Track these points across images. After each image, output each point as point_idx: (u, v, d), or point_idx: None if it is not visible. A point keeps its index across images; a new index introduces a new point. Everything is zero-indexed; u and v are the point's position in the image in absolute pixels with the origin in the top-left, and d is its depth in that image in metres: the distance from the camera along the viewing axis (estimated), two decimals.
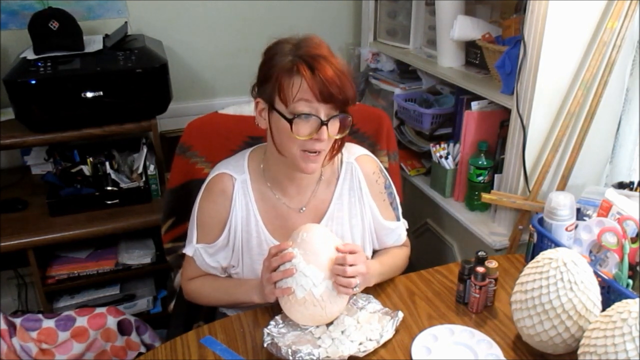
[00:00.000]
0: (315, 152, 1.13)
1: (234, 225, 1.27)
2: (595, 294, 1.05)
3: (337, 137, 1.16)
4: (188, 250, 1.31)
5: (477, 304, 1.22)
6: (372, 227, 1.34)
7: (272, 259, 1.15)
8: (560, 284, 1.02)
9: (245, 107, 1.51)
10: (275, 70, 1.10)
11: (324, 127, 1.10)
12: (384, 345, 1.13)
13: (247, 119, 1.47)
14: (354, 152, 1.32)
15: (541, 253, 1.08)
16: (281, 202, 1.28)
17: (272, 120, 1.15)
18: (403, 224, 1.40)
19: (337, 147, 1.22)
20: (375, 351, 1.12)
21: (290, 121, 1.09)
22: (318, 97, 1.07)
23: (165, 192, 1.55)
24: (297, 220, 1.28)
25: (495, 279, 1.23)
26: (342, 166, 1.30)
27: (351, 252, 1.16)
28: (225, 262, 1.31)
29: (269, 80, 1.11)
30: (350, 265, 1.13)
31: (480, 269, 1.19)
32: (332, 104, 1.09)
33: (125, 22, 2.09)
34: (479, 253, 1.24)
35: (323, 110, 1.10)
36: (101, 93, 1.85)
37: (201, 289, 1.35)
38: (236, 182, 1.26)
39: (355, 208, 1.31)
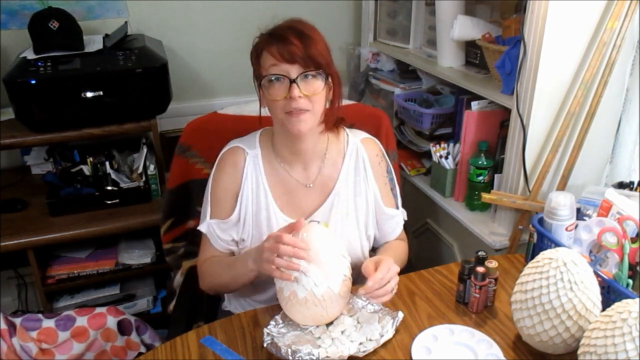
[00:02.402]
0: (298, 111, 1.17)
1: (245, 198, 1.30)
2: (595, 294, 1.05)
3: (312, 96, 1.17)
4: (202, 227, 1.32)
5: (477, 304, 1.22)
6: (374, 209, 1.36)
7: (282, 247, 1.11)
8: (560, 284, 1.02)
9: (245, 107, 1.51)
10: (252, 53, 1.21)
11: (294, 85, 1.15)
12: (384, 345, 1.13)
13: (247, 119, 1.47)
14: (358, 134, 1.38)
15: (541, 253, 1.08)
16: (290, 177, 1.31)
17: (262, 95, 1.23)
18: (402, 214, 1.42)
19: (330, 109, 1.26)
20: (375, 351, 1.12)
21: (263, 86, 1.19)
22: (279, 58, 1.14)
23: (165, 192, 1.55)
24: (304, 195, 1.31)
25: (495, 279, 1.23)
26: (348, 146, 1.34)
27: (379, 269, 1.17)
28: (237, 235, 1.32)
29: (251, 59, 1.22)
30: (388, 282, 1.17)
31: (480, 269, 1.19)
32: (298, 64, 1.15)
33: (125, 22, 2.09)
34: (479, 253, 1.24)
35: (292, 70, 1.15)
36: (101, 93, 1.85)
37: (209, 269, 1.34)
38: (248, 156, 1.30)
39: (359, 187, 1.34)
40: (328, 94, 1.23)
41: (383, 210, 1.37)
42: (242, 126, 1.46)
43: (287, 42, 1.14)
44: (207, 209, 1.32)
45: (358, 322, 1.17)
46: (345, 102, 1.53)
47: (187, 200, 1.53)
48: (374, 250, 1.44)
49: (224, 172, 1.31)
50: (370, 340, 1.13)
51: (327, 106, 1.25)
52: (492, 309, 1.24)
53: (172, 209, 1.52)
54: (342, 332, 1.14)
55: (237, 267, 1.26)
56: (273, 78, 1.16)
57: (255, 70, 1.22)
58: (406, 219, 1.45)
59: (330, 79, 1.22)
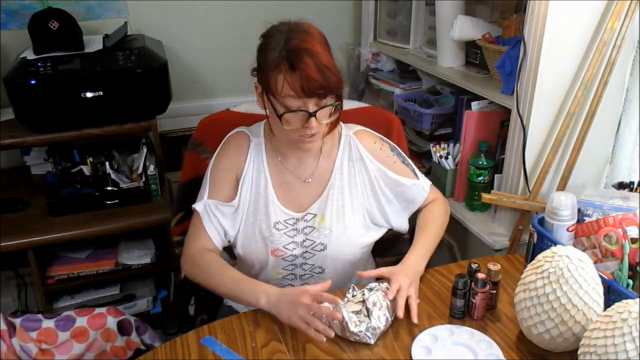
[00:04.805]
0: (311, 136, 1.19)
1: (246, 183, 1.31)
2: (598, 292, 1.04)
3: (326, 121, 1.20)
4: (198, 206, 1.31)
5: (478, 311, 1.19)
6: (383, 192, 1.35)
7: (323, 307, 1.12)
8: (562, 280, 1.02)
9: (256, 105, 1.52)
10: (265, 65, 1.16)
11: (312, 118, 1.15)
12: (384, 345, 1.13)
13: (258, 117, 1.47)
14: (351, 127, 1.39)
15: (545, 251, 1.08)
16: (288, 171, 1.33)
17: (267, 105, 1.21)
18: (422, 179, 1.41)
19: (333, 123, 1.27)
20: (375, 351, 1.12)
21: (279, 116, 1.16)
22: (300, 94, 1.12)
23: (177, 185, 1.57)
24: (301, 189, 1.33)
25: (496, 282, 1.20)
26: (341, 139, 1.35)
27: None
28: (231, 223, 1.31)
29: (261, 72, 1.18)
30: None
31: (480, 275, 1.17)
32: (316, 97, 1.14)
33: (125, 22, 2.09)
34: (472, 265, 1.20)
35: (310, 103, 1.15)
36: (101, 93, 1.85)
37: (206, 268, 1.29)
38: (252, 143, 1.32)
39: (354, 178, 1.35)
40: (336, 110, 1.23)
41: (399, 182, 1.36)
42: (253, 124, 1.47)
43: (309, 77, 1.11)
44: (205, 188, 1.32)
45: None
46: (358, 104, 1.56)
47: (197, 194, 1.54)
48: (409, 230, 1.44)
49: (227, 153, 1.32)
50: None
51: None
52: (493, 310, 1.24)
53: (183, 202, 1.53)
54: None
55: (241, 289, 1.23)
56: (292, 111, 1.15)
57: (267, 85, 1.16)
58: (430, 183, 1.43)
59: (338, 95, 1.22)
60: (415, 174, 1.40)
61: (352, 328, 1.12)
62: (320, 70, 1.12)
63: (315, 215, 1.32)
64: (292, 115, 1.16)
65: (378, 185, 1.35)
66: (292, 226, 1.32)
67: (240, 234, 1.33)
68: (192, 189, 1.50)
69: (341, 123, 1.37)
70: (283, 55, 1.12)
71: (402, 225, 1.41)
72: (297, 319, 1.12)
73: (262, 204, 1.31)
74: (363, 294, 1.18)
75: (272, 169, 1.32)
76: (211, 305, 1.51)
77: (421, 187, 1.40)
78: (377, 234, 1.40)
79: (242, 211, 1.32)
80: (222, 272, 1.27)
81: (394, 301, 1.18)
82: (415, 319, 1.18)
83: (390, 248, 1.52)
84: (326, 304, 1.12)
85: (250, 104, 1.54)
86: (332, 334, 1.11)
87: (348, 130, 1.37)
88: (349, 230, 1.33)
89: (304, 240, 1.33)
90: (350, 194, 1.34)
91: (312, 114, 1.15)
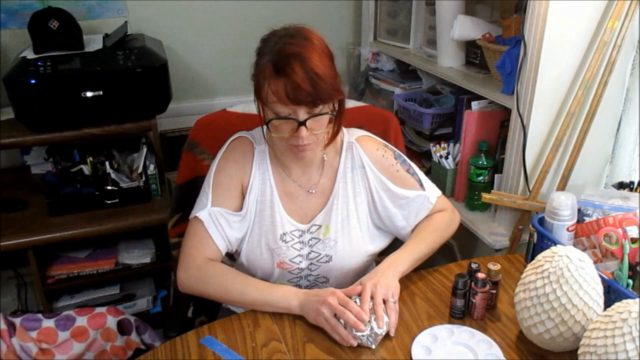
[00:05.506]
0: (304, 145, 1.16)
1: (253, 192, 1.28)
2: (598, 292, 1.05)
3: (319, 132, 1.16)
4: (202, 215, 1.23)
5: (478, 311, 1.19)
6: (384, 204, 1.31)
7: (347, 314, 1.11)
8: (562, 280, 1.02)
9: (253, 105, 1.52)
10: (256, 69, 1.14)
11: (302, 127, 1.12)
12: (384, 345, 1.13)
13: (255, 118, 1.47)
14: (354, 133, 1.34)
15: (545, 251, 1.08)
16: (292, 181, 1.30)
17: (259, 112, 1.19)
18: (427, 191, 1.34)
19: (333, 133, 1.23)
20: (375, 351, 1.12)
21: (266, 123, 1.15)
22: (286, 101, 1.08)
23: (174, 187, 1.56)
24: (305, 199, 1.30)
25: (496, 282, 1.20)
26: (343, 146, 1.32)
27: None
28: (239, 234, 1.28)
29: (253, 76, 1.16)
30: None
31: (480, 275, 1.17)
32: (306, 105, 1.10)
33: (125, 22, 2.09)
34: (472, 265, 1.20)
35: (300, 111, 1.11)
36: (101, 93, 1.85)
37: (223, 278, 1.23)
38: (255, 150, 1.29)
39: (358, 186, 1.32)
40: (333, 120, 1.19)
41: (401, 195, 1.31)
42: (250, 124, 1.46)
43: (294, 83, 1.07)
44: (207, 194, 1.26)
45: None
46: (355, 103, 1.54)
47: (194, 196, 1.53)
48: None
49: (232, 159, 1.28)
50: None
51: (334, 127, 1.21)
52: (493, 310, 1.24)
53: (180, 203, 1.52)
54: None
55: (270, 296, 1.19)
56: (280, 119, 1.12)
57: (258, 91, 1.14)
58: (439, 194, 1.37)
59: (337, 105, 1.18)
60: (421, 184, 1.34)
61: (355, 332, 1.11)
62: (309, 77, 1.07)
63: (320, 226, 1.30)
64: (280, 123, 1.13)
65: (378, 195, 1.31)
66: (298, 238, 1.29)
67: (245, 244, 1.30)
68: (188, 191, 1.50)
69: (343, 129, 1.32)
70: (273, 59, 1.09)
71: (407, 237, 1.36)
72: (322, 319, 1.12)
73: (267, 215, 1.28)
74: (359, 296, 1.18)
75: (277, 178, 1.29)
76: (210, 307, 1.51)
77: (426, 198, 1.33)
78: (383, 242, 1.38)
79: (249, 221, 1.29)
80: (243, 282, 1.23)
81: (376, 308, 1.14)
82: (392, 332, 1.14)
83: (387, 247, 1.52)
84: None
85: (247, 104, 1.53)
86: (355, 344, 1.10)
87: (350, 137, 1.33)
88: (354, 240, 1.31)
89: (309, 253, 1.31)
90: (355, 202, 1.31)
91: (302, 123, 1.11)
